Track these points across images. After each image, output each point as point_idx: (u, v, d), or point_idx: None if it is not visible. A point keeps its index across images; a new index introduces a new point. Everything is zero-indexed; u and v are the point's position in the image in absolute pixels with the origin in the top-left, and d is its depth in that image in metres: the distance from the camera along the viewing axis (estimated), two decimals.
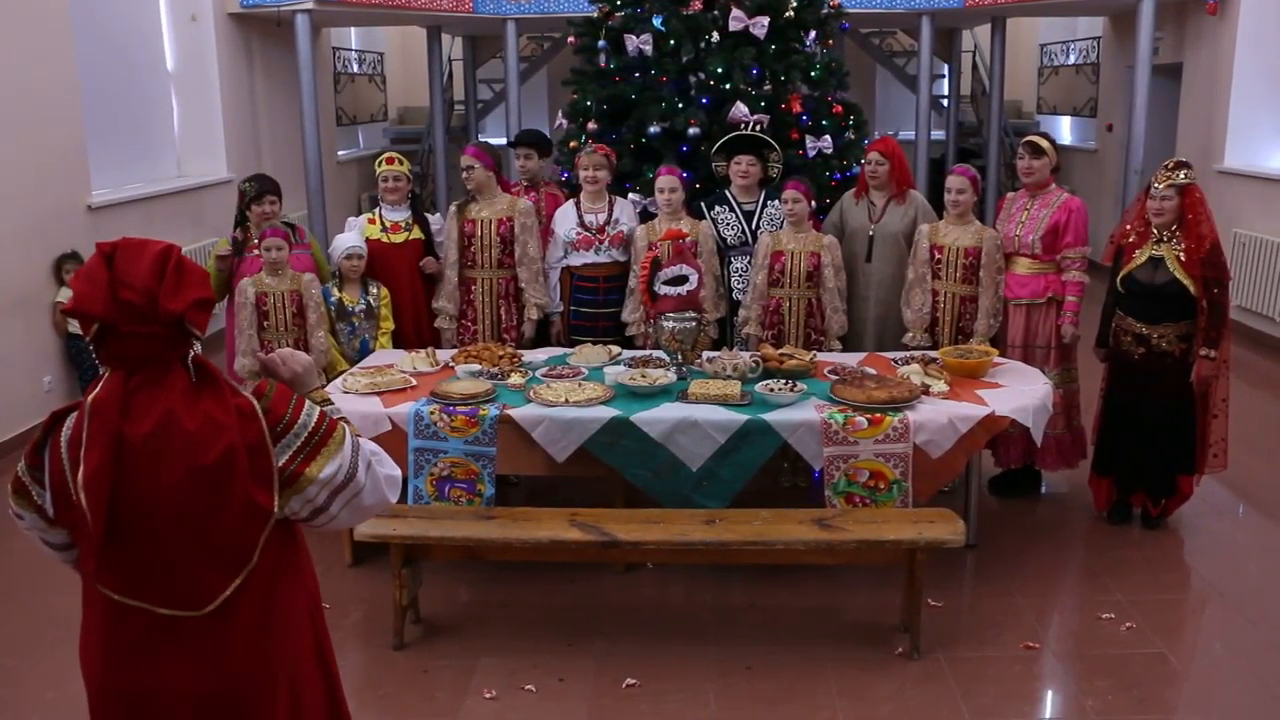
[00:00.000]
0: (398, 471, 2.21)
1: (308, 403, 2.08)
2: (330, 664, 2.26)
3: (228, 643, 1.99)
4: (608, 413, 4.18)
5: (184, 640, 1.97)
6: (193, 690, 1.98)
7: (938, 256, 5.04)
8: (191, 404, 1.92)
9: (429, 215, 5.68)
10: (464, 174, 5.38)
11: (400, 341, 5.42)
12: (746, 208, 5.39)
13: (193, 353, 1.99)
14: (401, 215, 5.57)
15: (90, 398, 1.92)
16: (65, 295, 6.62)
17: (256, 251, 5.24)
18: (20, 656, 3.99)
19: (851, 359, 4.90)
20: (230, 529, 1.93)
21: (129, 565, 1.93)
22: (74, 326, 6.63)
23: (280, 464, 1.98)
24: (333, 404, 2.22)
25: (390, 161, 5.58)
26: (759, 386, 4.32)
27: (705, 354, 4.71)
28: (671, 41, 6.03)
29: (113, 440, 1.87)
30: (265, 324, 5.03)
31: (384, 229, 5.52)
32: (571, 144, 6.26)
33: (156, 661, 1.98)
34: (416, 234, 5.54)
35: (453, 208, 5.44)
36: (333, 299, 5.21)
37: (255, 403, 1.98)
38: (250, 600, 1.99)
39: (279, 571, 2.05)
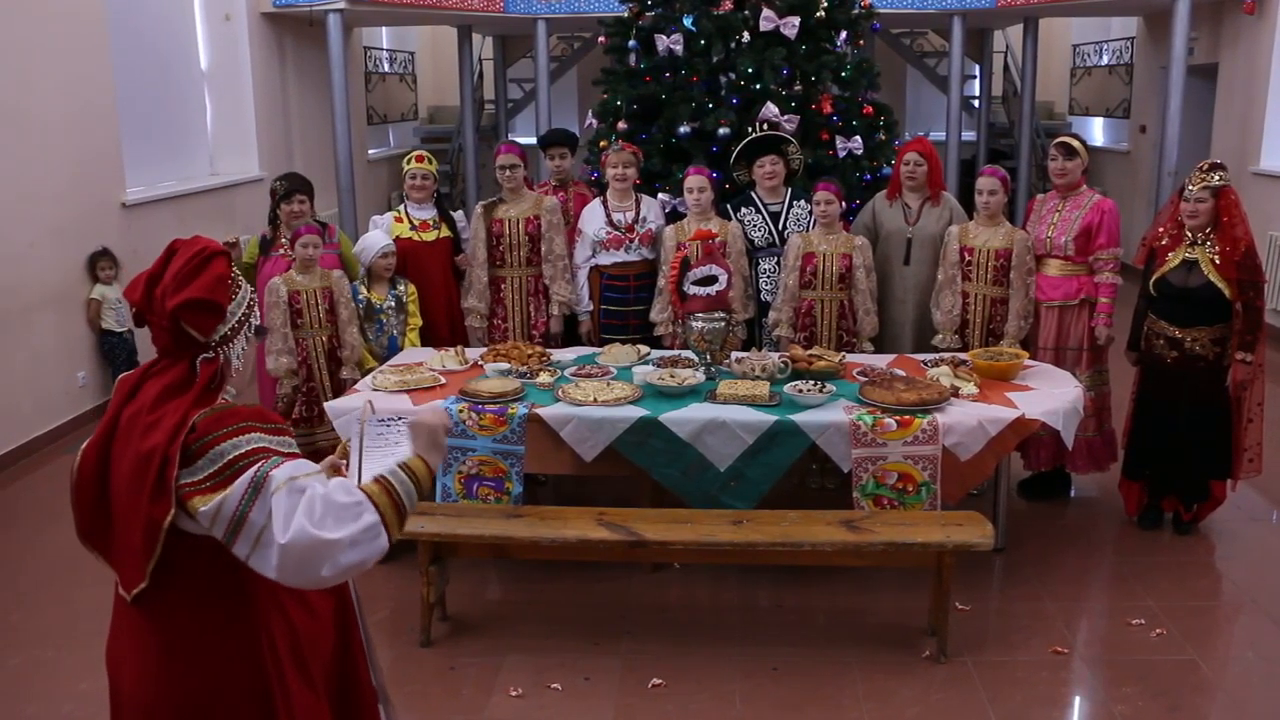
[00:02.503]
0: (344, 532, 1.91)
1: (249, 435, 1.96)
2: (290, 713, 2.08)
3: (155, 652, 2.04)
4: (636, 412, 4.18)
5: (132, 637, 2.07)
6: (136, 694, 2.07)
7: (968, 258, 5.01)
8: (162, 400, 2.00)
9: (453, 214, 5.71)
10: (505, 173, 5.38)
11: (433, 338, 5.44)
12: (773, 209, 5.38)
13: (204, 356, 2.05)
14: (429, 214, 5.60)
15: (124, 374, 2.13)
16: (99, 292, 6.70)
17: (282, 251, 5.28)
18: (55, 648, 4.05)
19: (881, 360, 4.89)
20: (141, 526, 1.96)
21: (102, 525, 2.06)
22: (107, 323, 6.72)
23: (180, 483, 1.91)
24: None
25: (419, 159, 5.61)
26: (788, 387, 4.32)
27: (734, 354, 4.70)
28: (702, 41, 6.03)
29: (112, 419, 2.04)
30: (299, 322, 5.05)
31: (413, 227, 5.55)
32: (601, 144, 6.27)
33: (122, 657, 2.10)
34: (446, 231, 5.57)
35: (479, 208, 5.45)
36: (360, 297, 5.24)
37: (193, 416, 1.94)
38: (177, 612, 2.03)
39: (214, 594, 2.04)
